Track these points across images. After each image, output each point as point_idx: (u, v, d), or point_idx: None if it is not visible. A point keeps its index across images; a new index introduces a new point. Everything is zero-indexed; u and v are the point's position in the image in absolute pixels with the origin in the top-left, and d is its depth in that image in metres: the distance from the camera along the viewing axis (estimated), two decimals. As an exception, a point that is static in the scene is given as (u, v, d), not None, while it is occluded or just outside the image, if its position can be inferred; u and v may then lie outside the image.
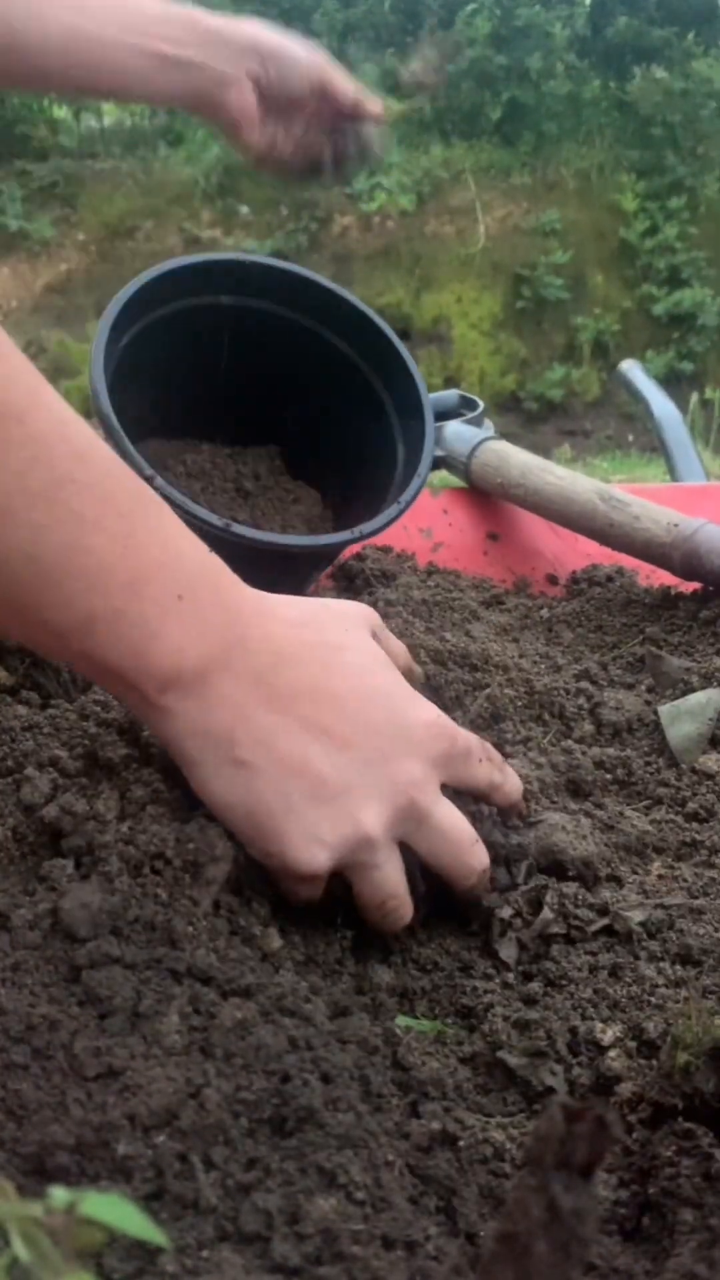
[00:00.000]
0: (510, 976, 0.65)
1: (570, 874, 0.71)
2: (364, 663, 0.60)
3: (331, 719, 0.56)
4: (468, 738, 0.62)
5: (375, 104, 1.23)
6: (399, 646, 0.68)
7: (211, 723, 0.55)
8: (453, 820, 0.60)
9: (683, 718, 0.91)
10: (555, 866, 0.71)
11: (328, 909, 0.63)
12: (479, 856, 0.62)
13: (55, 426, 0.53)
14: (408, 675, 0.64)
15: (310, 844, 0.55)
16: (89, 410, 0.86)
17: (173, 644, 0.54)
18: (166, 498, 0.74)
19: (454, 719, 0.64)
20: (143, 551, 0.54)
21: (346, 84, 1.21)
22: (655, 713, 0.93)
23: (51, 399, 0.54)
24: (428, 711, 0.60)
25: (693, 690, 0.96)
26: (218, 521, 0.85)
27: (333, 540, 0.97)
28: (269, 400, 1.08)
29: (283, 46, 1.18)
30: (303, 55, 1.20)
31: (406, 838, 0.58)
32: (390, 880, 0.58)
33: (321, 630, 0.60)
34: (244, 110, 1.17)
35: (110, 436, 0.88)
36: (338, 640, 0.60)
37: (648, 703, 0.95)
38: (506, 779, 0.65)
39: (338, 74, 1.21)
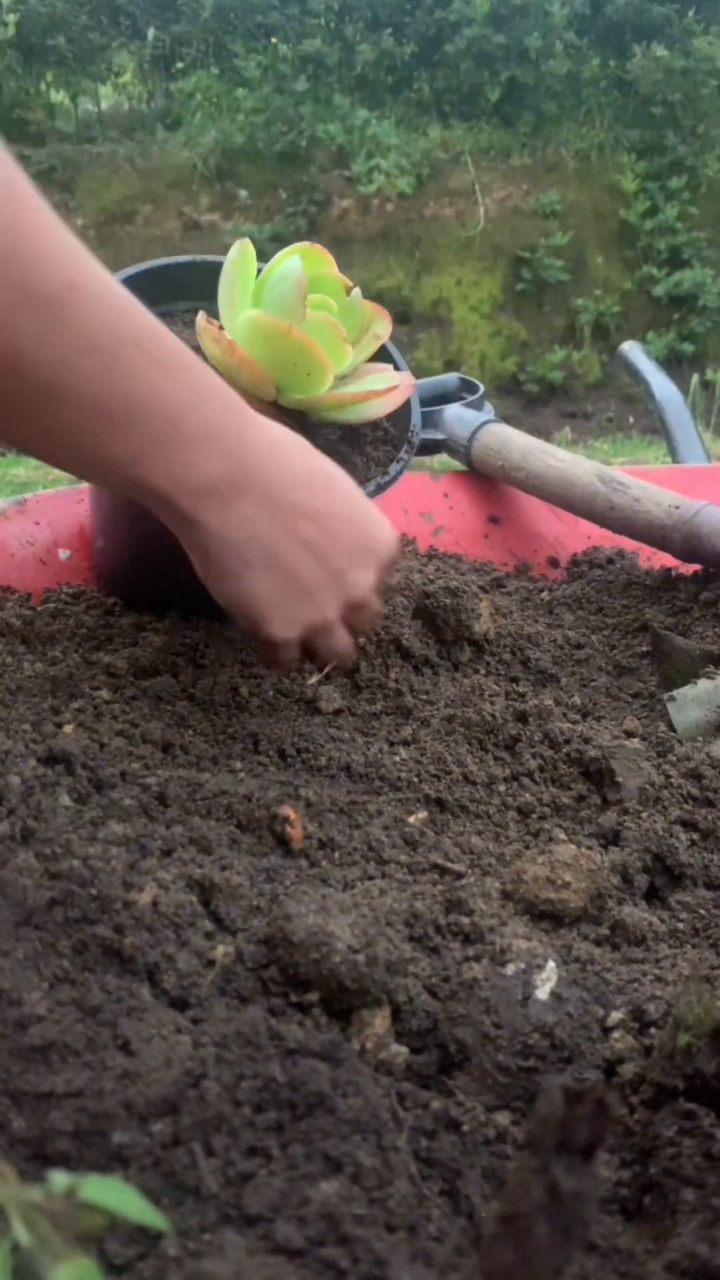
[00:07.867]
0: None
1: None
2: (348, 489, 0.79)
3: (320, 538, 0.75)
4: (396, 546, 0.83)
5: None
6: None
7: (231, 532, 0.72)
8: (377, 607, 0.82)
9: (689, 705, 0.91)
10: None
11: None
12: (376, 620, 0.88)
13: (109, 293, 0.64)
14: None
15: (288, 625, 0.77)
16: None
17: (206, 470, 0.69)
18: None
19: None
20: (182, 391, 0.67)
21: None
22: (662, 700, 0.93)
23: (101, 272, 0.65)
24: (387, 530, 0.81)
25: (697, 666, 0.95)
26: None
27: None
28: None
29: None
30: None
31: (348, 616, 0.80)
32: (340, 643, 0.80)
33: (319, 459, 0.78)
34: None
35: None
36: (330, 468, 0.78)
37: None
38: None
39: None
